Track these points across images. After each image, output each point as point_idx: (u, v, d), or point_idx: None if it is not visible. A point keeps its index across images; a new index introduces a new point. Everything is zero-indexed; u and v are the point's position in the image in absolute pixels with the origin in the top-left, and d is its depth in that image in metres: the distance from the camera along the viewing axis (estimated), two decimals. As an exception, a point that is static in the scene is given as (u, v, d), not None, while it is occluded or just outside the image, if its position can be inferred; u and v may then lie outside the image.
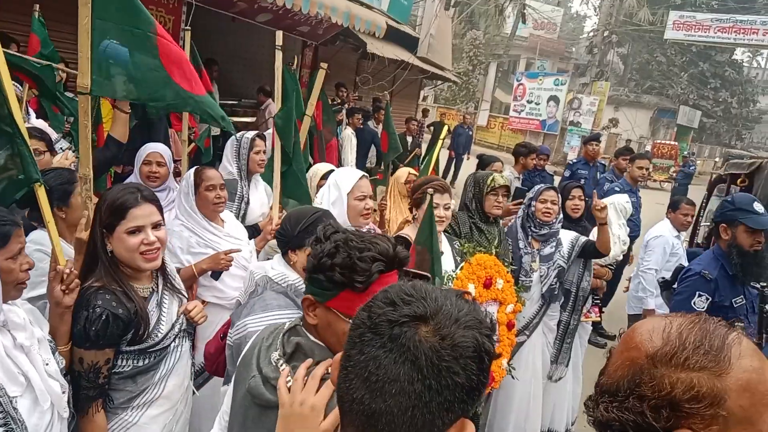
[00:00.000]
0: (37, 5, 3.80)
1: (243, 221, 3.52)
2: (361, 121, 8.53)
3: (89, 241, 1.99)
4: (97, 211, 1.96)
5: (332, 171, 3.80)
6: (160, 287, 2.08)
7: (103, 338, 1.84)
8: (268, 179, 3.79)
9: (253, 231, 3.49)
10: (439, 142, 4.55)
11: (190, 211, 2.95)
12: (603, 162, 7.19)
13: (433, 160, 4.41)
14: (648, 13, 28.53)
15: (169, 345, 2.02)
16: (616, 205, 4.38)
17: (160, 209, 2.05)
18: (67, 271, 1.85)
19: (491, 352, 0.82)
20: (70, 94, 4.32)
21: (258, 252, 3.23)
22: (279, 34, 3.28)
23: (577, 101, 25.35)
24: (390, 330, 0.81)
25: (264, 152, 3.71)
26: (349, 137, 8.32)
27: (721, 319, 0.88)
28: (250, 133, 3.73)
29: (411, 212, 3.28)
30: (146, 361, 1.96)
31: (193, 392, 2.29)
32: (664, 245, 4.89)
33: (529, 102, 26.46)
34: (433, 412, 0.78)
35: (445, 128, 4.78)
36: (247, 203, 3.62)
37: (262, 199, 3.76)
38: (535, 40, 33.87)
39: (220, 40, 8.28)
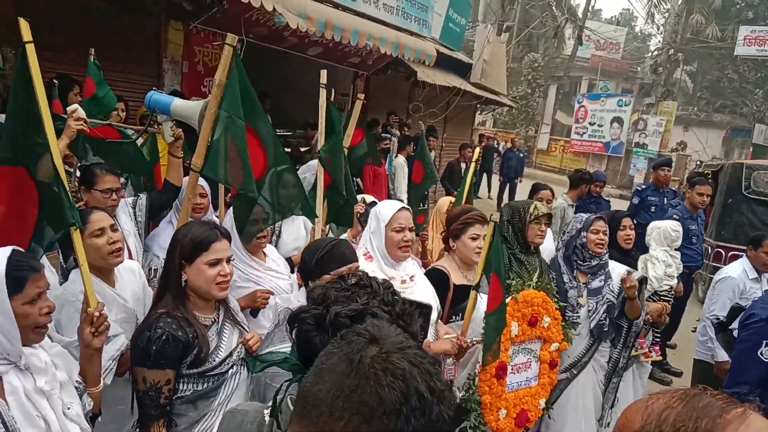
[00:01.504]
0: (93, 49, 4.00)
1: None
2: (414, 149, 8.49)
3: (163, 271, 2.17)
4: (176, 245, 2.11)
5: (373, 202, 3.77)
6: (221, 318, 2.20)
7: (163, 357, 1.95)
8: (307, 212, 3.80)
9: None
10: (472, 166, 4.43)
11: (233, 246, 2.99)
12: (673, 188, 6.80)
13: (467, 187, 4.31)
14: (716, 30, 27.37)
15: (227, 371, 2.11)
16: (663, 231, 4.12)
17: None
18: (97, 314, 1.92)
19: (423, 397, 0.82)
20: (130, 131, 4.51)
21: (300, 285, 3.22)
22: (323, 72, 3.33)
23: (642, 122, 24.50)
24: (350, 337, 0.91)
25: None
26: (401, 165, 8.30)
27: (721, 394, 0.76)
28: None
29: (447, 243, 3.17)
30: (205, 385, 2.05)
31: None
32: (732, 288, 4.17)
33: (591, 124, 25.80)
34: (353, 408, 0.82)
35: (477, 151, 4.63)
36: (278, 236, 3.64)
37: (298, 233, 3.76)
38: (597, 60, 33.09)
39: (273, 72, 8.50)
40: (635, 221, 4.02)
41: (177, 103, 3.08)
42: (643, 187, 6.86)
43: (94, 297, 1.99)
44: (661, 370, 5.73)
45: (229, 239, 2.21)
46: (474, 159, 4.10)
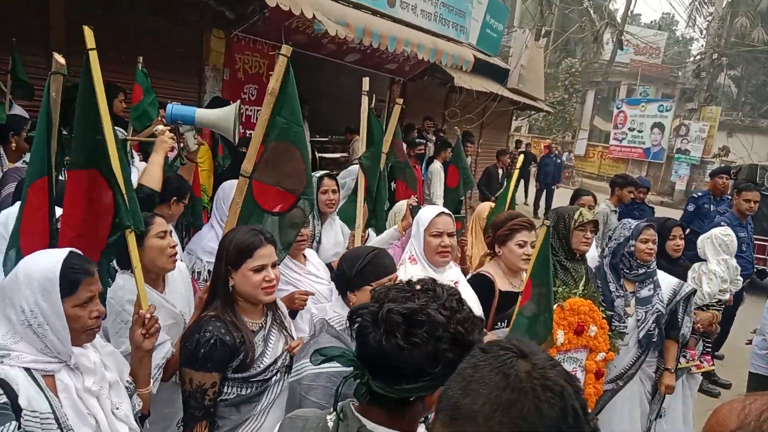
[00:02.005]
0: (141, 57, 4.10)
1: None
2: (450, 155, 8.44)
3: (212, 277, 2.20)
4: (222, 251, 2.14)
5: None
6: (269, 324, 2.21)
7: (210, 361, 1.97)
8: (347, 217, 3.80)
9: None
10: (515, 173, 4.37)
11: None
12: (729, 197, 6.55)
13: (510, 193, 4.24)
14: (763, 33, 26.52)
15: (271, 378, 2.12)
16: (713, 239, 3.96)
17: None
18: (148, 316, 1.95)
19: (578, 415, 0.81)
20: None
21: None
22: (366, 80, 3.34)
23: (684, 128, 23.89)
24: (497, 351, 0.88)
25: (333, 191, 3.68)
26: (437, 171, 8.25)
27: None
28: (319, 173, 3.71)
29: (492, 248, 3.12)
30: (249, 390, 2.07)
31: None
32: None
33: (630, 129, 25.29)
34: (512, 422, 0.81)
35: (521, 157, 4.57)
36: (319, 242, 3.64)
37: (337, 239, 3.76)
38: (637, 65, 32.45)
39: (311, 79, 8.58)
40: (689, 229, 3.88)
41: (201, 112, 3.12)
42: (700, 194, 6.65)
43: (146, 299, 2.02)
44: (709, 381, 5.53)
45: (275, 244, 2.22)
46: (518, 166, 4.03)
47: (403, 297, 1.18)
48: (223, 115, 3.03)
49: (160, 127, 3.07)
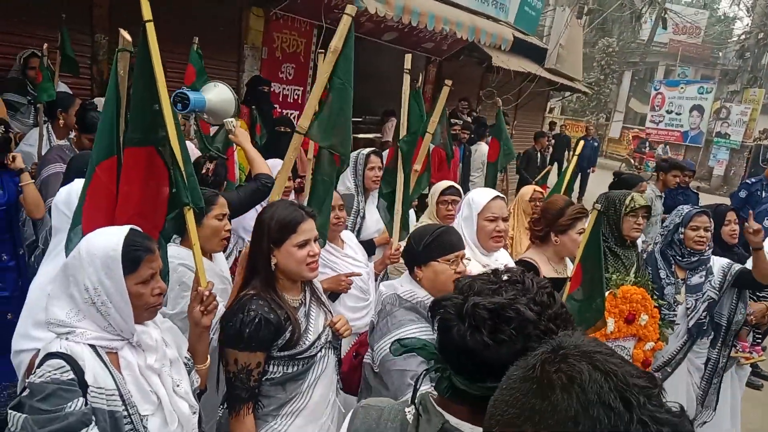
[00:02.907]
0: (196, 38, 4.08)
1: (358, 235, 3.57)
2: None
3: (251, 254, 2.12)
4: (263, 228, 2.07)
5: (451, 187, 3.70)
6: (308, 299, 2.17)
7: (255, 340, 1.93)
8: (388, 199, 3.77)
9: (368, 246, 3.50)
10: (573, 159, 4.25)
11: None
12: None
13: (567, 178, 4.14)
14: (813, 10, 25.40)
15: (316, 354, 2.09)
16: None
17: None
18: (207, 293, 1.94)
19: (611, 406, 0.70)
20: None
21: (376, 276, 3.20)
22: (408, 57, 3.26)
23: (725, 110, 23.12)
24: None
25: (379, 168, 3.69)
26: (485, 153, 8.14)
27: None
28: (366, 150, 3.76)
29: (549, 236, 3.03)
30: (295, 368, 2.03)
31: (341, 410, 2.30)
32: None
33: (668, 112, 24.59)
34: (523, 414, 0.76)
35: (581, 144, 4.44)
36: (363, 218, 3.65)
37: (379, 215, 3.74)
38: (676, 45, 31.42)
39: (347, 59, 8.53)
40: (740, 216, 3.75)
41: (209, 97, 3.08)
42: (753, 180, 6.42)
43: (205, 276, 2.00)
44: (751, 373, 5.40)
45: (315, 218, 2.17)
46: (578, 152, 3.92)
47: (489, 290, 1.11)
48: (226, 98, 2.99)
49: (232, 120, 3.11)
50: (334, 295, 2.91)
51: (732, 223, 3.62)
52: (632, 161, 22.39)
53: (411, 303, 2.09)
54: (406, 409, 1.19)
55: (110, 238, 1.64)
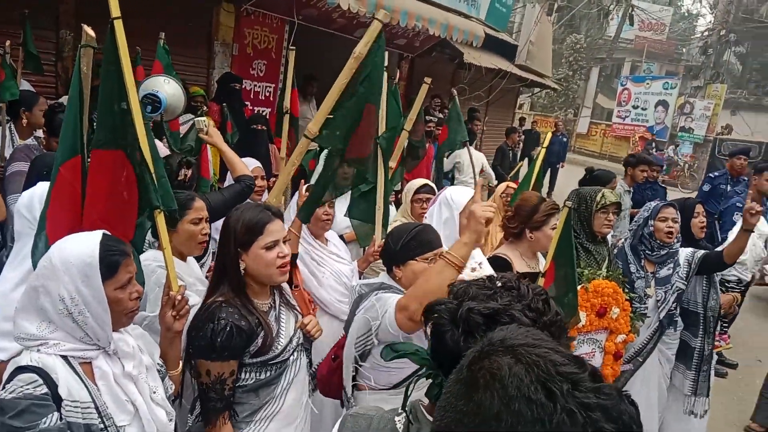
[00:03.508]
0: (163, 34, 4.00)
1: None
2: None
3: (218, 259, 2.06)
4: (229, 232, 2.01)
5: (426, 185, 3.71)
6: (277, 303, 2.13)
7: (228, 349, 1.89)
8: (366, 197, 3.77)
9: None
10: (541, 152, 4.31)
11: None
12: (746, 178, 6.51)
13: (535, 173, 4.19)
14: (771, 9, 26.16)
15: (288, 358, 2.06)
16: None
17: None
18: (179, 297, 1.90)
19: (532, 400, 0.69)
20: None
21: (360, 274, 3.21)
22: (385, 54, 3.26)
23: (689, 106, 23.69)
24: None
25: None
26: (464, 152, 8.17)
27: None
28: None
29: (524, 232, 3.07)
30: (268, 373, 2.00)
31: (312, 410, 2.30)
32: None
33: (635, 107, 25.09)
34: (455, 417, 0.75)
35: (548, 136, 4.49)
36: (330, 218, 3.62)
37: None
38: (642, 42, 32.00)
39: (319, 55, 8.47)
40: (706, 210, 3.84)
41: (168, 94, 3.01)
42: (716, 174, 6.58)
43: (176, 280, 1.97)
44: (717, 362, 5.57)
45: (282, 219, 2.12)
46: (545, 145, 3.97)
47: (484, 295, 1.10)
48: (178, 93, 2.93)
49: (202, 119, 3.05)
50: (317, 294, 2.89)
51: (701, 215, 3.72)
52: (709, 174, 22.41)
53: (383, 288, 2.11)
54: (396, 418, 1.17)
55: (85, 245, 1.59)
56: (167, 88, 2.98)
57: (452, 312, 1.09)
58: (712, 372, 3.66)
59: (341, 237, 3.59)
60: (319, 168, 2.77)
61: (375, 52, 2.40)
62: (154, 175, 1.96)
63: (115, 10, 1.82)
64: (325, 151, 2.72)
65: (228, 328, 1.88)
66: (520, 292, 1.12)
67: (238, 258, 1.99)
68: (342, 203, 3.70)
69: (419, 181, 3.82)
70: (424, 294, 1.64)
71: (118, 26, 1.83)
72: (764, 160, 6.30)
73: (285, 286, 2.28)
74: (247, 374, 1.98)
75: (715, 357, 4.03)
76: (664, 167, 20.65)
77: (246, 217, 2.01)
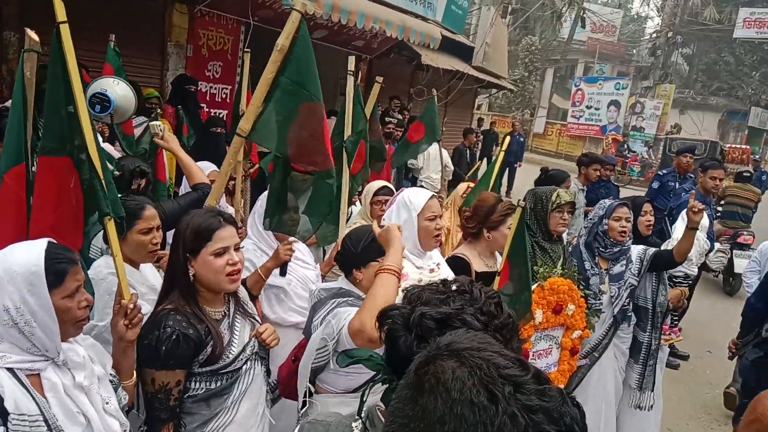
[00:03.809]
0: (113, 35, 3.90)
1: None
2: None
3: (169, 266, 2.01)
4: (178, 238, 1.97)
5: (385, 187, 3.72)
6: (232, 311, 2.09)
7: (173, 358, 1.85)
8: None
9: None
10: (501, 154, 4.38)
11: (263, 233, 2.98)
12: (693, 175, 6.76)
13: (495, 173, 4.25)
14: (714, 12, 27.27)
15: (241, 367, 2.01)
16: (683, 216, 4.07)
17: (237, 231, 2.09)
18: (131, 306, 1.85)
19: (475, 403, 0.70)
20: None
21: (323, 276, 3.20)
22: (351, 59, 3.25)
23: (639, 105, 24.49)
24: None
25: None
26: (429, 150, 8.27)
27: None
28: None
29: (482, 232, 3.11)
30: (218, 383, 1.96)
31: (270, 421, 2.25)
32: None
33: (588, 107, 25.76)
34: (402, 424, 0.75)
35: (507, 139, 4.57)
36: None
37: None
38: (594, 43, 32.91)
39: (277, 57, 8.41)
40: (654, 206, 3.98)
41: (117, 96, 2.93)
42: (664, 172, 6.80)
43: (128, 288, 1.92)
44: (669, 354, 5.76)
45: (235, 225, 2.07)
46: (503, 148, 4.02)
47: (437, 299, 1.11)
48: (128, 95, 2.86)
49: (156, 122, 2.97)
50: (282, 270, 2.85)
51: (648, 213, 3.83)
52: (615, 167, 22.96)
53: (343, 293, 2.11)
54: (353, 424, 1.17)
55: (29, 253, 1.54)
56: (117, 89, 2.88)
57: (405, 317, 1.10)
58: (660, 366, 3.78)
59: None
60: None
61: (300, 45, 2.35)
62: (103, 181, 1.92)
63: (60, 14, 1.77)
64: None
65: (174, 337, 1.84)
66: (473, 295, 1.13)
67: (187, 264, 1.95)
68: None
69: (378, 183, 3.83)
70: (378, 309, 1.67)
71: (64, 30, 1.78)
72: (709, 157, 6.48)
73: (243, 293, 2.24)
74: (197, 384, 1.93)
75: (667, 350, 4.18)
76: (616, 166, 21.30)
77: (195, 222, 1.97)
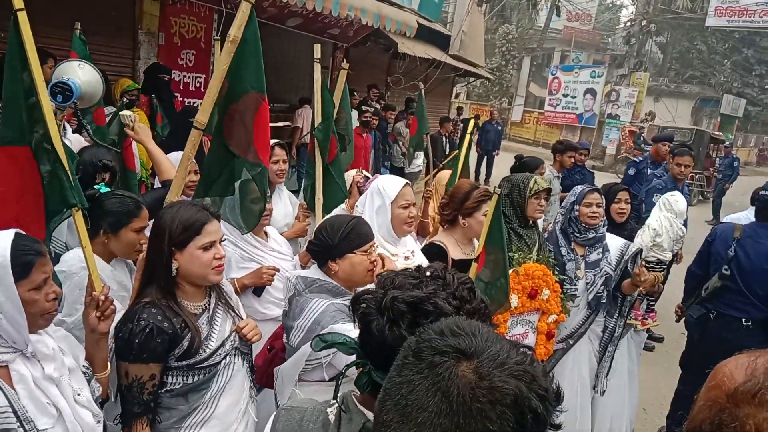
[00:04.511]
0: (79, 23, 3.80)
1: None
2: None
3: (147, 259, 2.00)
4: (163, 231, 1.94)
5: (367, 178, 3.72)
6: (212, 305, 2.07)
7: (147, 351, 1.84)
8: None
9: None
10: (467, 138, 4.39)
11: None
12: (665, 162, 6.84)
13: (462, 159, 4.27)
14: (687, 1, 27.62)
15: (220, 362, 1.99)
16: (661, 201, 4.09)
17: None
18: (102, 297, 1.83)
19: (538, 413, 0.74)
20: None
21: (302, 267, 3.17)
22: (317, 47, 3.22)
23: (615, 93, 24.75)
24: (431, 357, 0.78)
25: (283, 161, 3.58)
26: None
27: None
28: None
29: (457, 219, 3.11)
30: (196, 378, 1.95)
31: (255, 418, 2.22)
32: None
33: (564, 96, 25.98)
34: None
35: (471, 123, 4.59)
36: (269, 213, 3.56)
37: (287, 209, 3.67)
38: (570, 32, 33.13)
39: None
40: (631, 193, 4.02)
41: (82, 81, 2.84)
42: (640, 159, 6.87)
43: (99, 280, 1.90)
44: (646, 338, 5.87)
45: (219, 219, 2.08)
46: (469, 131, 4.04)
47: (410, 284, 1.11)
48: (93, 80, 2.77)
49: (127, 112, 2.89)
50: (258, 290, 2.84)
51: (622, 201, 3.87)
52: (633, 159, 22.99)
53: (319, 285, 2.11)
54: (328, 409, 1.17)
55: None
56: (81, 74, 2.78)
57: (378, 301, 1.10)
58: (638, 351, 3.86)
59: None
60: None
61: (248, 35, 2.31)
62: (69, 171, 1.88)
63: (18, 2, 1.72)
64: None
65: (148, 330, 1.83)
66: (446, 281, 1.13)
67: (171, 258, 1.93)
68: (278, 203, 3.64)
69: (354, 172, 3.83)
70: None
71: (22, 18, 1.74)
72: (680, 144, 6.53)
73: (229, 288, 2.23)
74: (174, 378, 1.92)
75: (645, 335, 4.24)
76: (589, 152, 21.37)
77: (183, 216, 1.95)
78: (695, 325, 4.01)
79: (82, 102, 2.76)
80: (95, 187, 2.40)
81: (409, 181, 2.88)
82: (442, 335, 0.82)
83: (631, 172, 6.65)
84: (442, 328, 0.83)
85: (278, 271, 2.78)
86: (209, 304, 2.06)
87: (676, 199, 3.70)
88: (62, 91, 2.46)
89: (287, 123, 8.87)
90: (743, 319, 3.72)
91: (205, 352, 1.95)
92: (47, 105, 1.82)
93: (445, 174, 4.40)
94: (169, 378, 1.91)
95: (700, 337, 3.97)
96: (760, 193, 3.88)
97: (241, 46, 2.29)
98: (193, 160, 3.54)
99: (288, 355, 2.17)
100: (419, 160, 8.77)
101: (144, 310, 1.88)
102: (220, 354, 1.99)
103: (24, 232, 1.62)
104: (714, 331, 3.84)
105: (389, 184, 2.76)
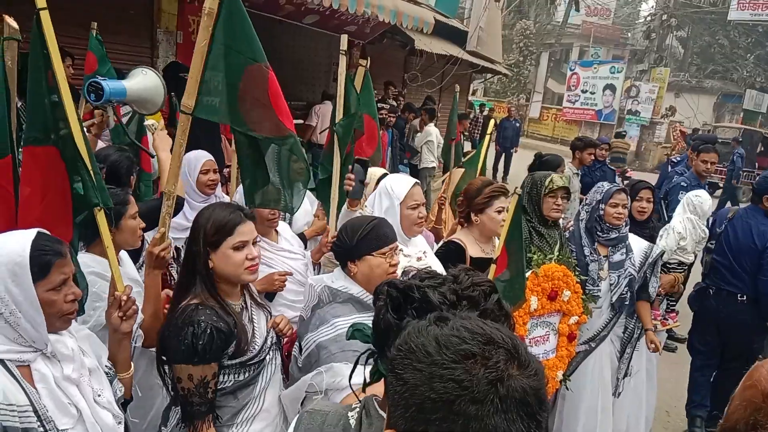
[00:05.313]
0: (95, 23, 3.82)
1: None
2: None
3: (186, 259, 2.03)
4: (199, 231, 1.99)
5: (386, 175, 3.68)
6: (249, 303, 2.12)
7: (209, 352, 1.87)
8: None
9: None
10: (486, 137, 4.35)
11: None
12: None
13: (482, 157, 4.23)
14: (709, -6, 27.17)
15: (265, 358, 2.05)
16: (685, 201, 4.04)
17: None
18: (125, 297, 1.85)
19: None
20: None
21: (315, 264, 3.15)
22: (344, 38, 3.14)
23: (635, 89, 24.44)
24: (488, 354, 0.81)
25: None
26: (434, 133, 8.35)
27: None
28: None
29: (469, 216, 3.10)
30: (246, 374, 1.99)
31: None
32: None
33: (583, 91, 25.70)
34: None
35: (492, 122, 4.58)
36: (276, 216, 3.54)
37: (305, 208, 3.65)
38: (589, 27, 32.75)
39: (267, 42, 8.31)
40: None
41: (130, 84, 2.84)
42: (678, 159, 6.73)
43: (121, 280, 1.91)
44: (667, 338, 5.77)
45: (254, 220, 2.10)
46: (489, 131, 4.00)
47: (431, 279, 1.14)
48: (152, 85, 2.77)
49: (152, 121, 2.90)
50: (270, 295, 2.83)
51: (644, 200, 3.79)
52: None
53: (345, 297, 2.09)
54: (350, 414, 1.17)
55: (16, 243, 1.53)
56: (141, 80, 2.81)
57: (393, 294, 1.13)
58: (638, 353, 3.80)
59: (301, 235, 3.51)
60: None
61: (227, 6, 2.16)
62: (91, 171, 1.88)
63: (40, 1, 1.72)
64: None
65: (209, 331, 1.86)
66: (458, 279, 1.15)
67: (207, 257, 1.98)
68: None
69: (380, 171, 3.79)
70: None
71: (45, 17, 1.73)
72: (703, 141, 6.33)
73: (252, 285, 2.25)
74: (226, 376, 1.95)
75: (665, 335, 4.18)
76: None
77: (217, 216, 2.00)
78: (694, 300, 4.32)
79: (140, 107, 2.79)
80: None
81: (418, 181, 2.84)
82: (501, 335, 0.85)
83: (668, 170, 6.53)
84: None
85: (290, 274, 2.76)
86: (246, 303, 2.11)
87: (701, 199, 3.62)
88: (95, 90, 2.48)
89: (299, 121, 8.86)
90: (738, 294, 3.95)
91: (254, 349, 2.00)
92: (70, 104, 1.81)
93: (459, 172, 4.37)
94: (222, 377, 1.95)
95: (698, 308, 4.28)
96: (759, 178, 4.08)
97: (226, 20, 2.17)
98: (212, 158, 3.58)
99: (291, 369, 2.22)
100: (431, 155, 8.75)
101: (198, 312, 1.90)
102: (264, 350, 2.05)
103: (47, 232, 1.63)
104: (711, 306, 4.12)
105: (397, 185, 2.72)
